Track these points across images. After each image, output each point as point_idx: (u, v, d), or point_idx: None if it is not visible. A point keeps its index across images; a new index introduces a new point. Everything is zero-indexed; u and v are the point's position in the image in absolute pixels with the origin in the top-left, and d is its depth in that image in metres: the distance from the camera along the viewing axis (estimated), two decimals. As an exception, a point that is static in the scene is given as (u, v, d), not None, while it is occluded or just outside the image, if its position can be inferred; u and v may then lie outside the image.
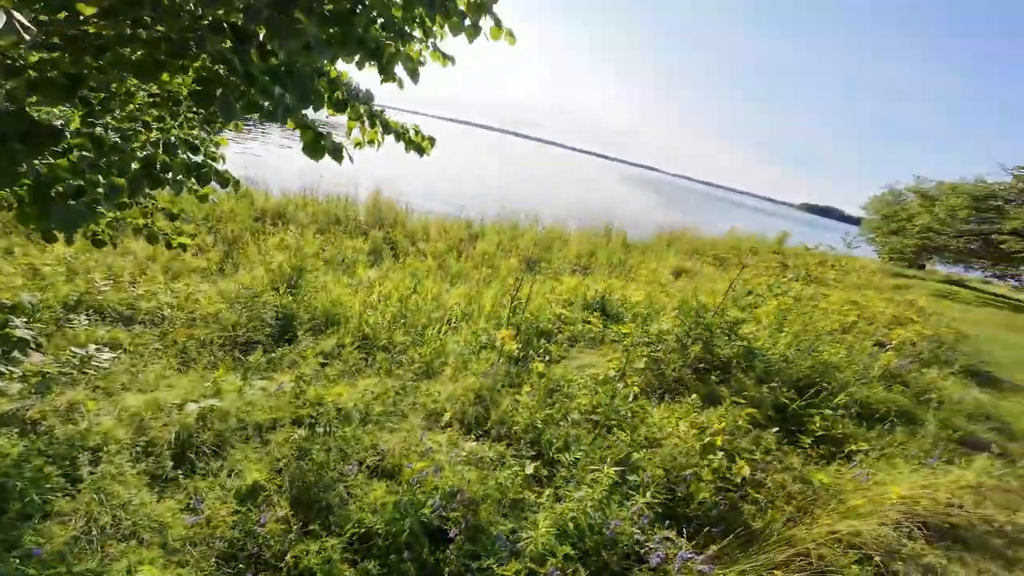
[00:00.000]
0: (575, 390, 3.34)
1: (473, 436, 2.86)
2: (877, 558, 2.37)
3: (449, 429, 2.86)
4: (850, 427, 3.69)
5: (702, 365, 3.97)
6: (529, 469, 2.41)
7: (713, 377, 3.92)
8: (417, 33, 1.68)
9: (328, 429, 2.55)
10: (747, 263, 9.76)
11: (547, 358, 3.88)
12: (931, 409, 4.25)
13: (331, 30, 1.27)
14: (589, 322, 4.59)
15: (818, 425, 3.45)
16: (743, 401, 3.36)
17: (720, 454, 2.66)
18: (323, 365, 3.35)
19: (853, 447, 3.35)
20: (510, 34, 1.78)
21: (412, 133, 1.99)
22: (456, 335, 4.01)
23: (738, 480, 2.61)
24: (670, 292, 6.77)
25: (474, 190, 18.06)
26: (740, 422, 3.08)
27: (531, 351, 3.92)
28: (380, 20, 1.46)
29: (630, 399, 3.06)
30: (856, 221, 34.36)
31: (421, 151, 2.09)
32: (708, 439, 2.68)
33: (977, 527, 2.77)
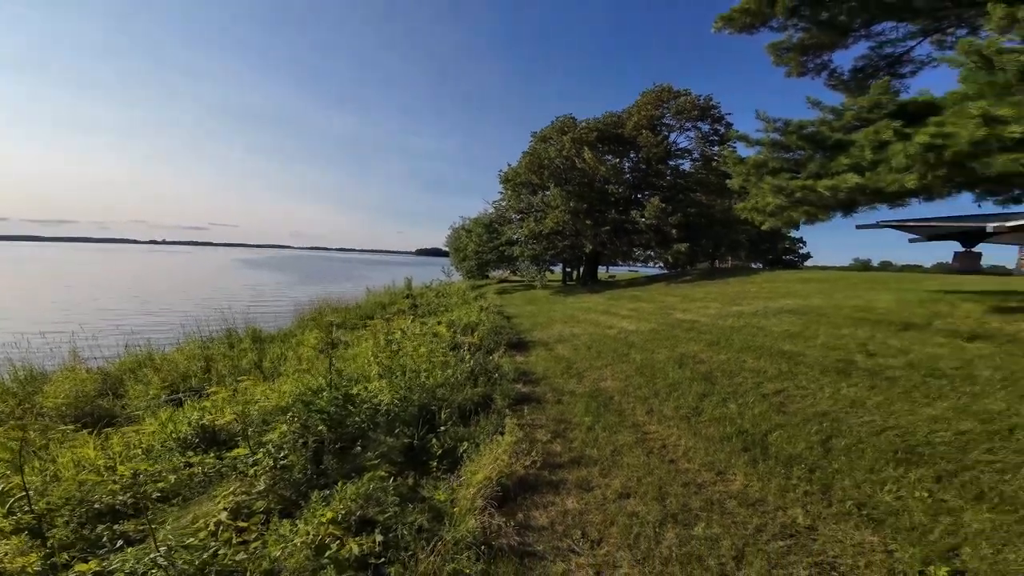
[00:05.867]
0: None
1: None
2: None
3: None
4: (459, 433, 4.30)
5: (338, 445, 3.70)
6: None
7: (357, 448, 3.76)
8: None
9: None
10: (386, 316, 10.19)
11: (118, 543, 2.55)
12: (498, 387, 5.66)
13: None
14: (191, 464, 3.39)
15: (436, 446, 3.90)
16: (377, 460, 3.36)
17: (349, 544, 2.47)
18: None
19: (461, 449, 3.99)
20: None
21: None
22: None
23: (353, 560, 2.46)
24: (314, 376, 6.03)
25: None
26: (373, 486, 3.05)
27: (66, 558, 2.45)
28: None
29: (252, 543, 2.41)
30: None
31: None
32: (324, 539, 2.45)
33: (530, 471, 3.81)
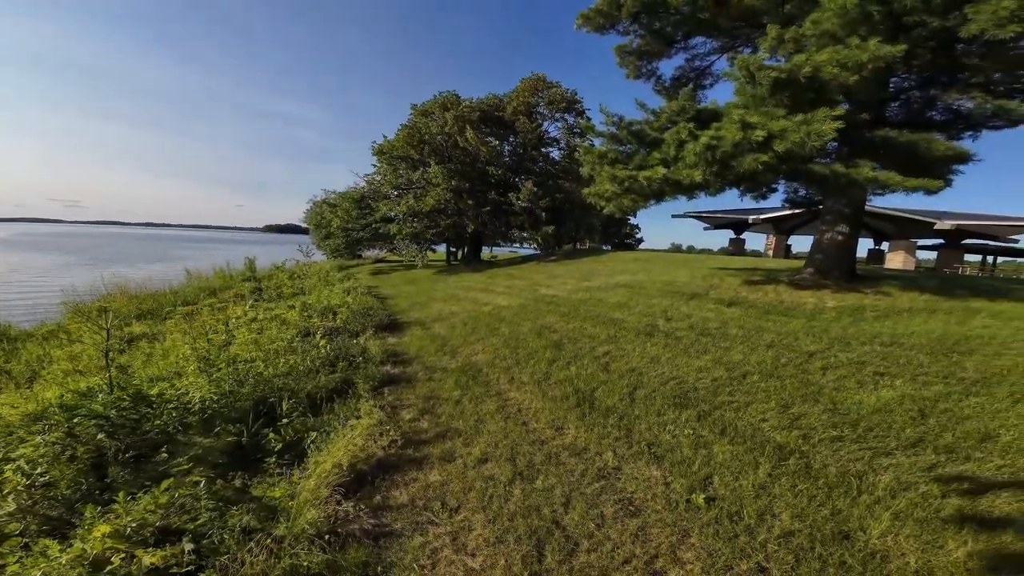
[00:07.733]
0: None
1: None
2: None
3: None
4: (306, 423, 3.80)
5: (130, 454, 2.88)
6: None
7: (163, 454, 3.00)
8: None
9: None
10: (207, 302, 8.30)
11: None
12: (360, 371, 5.20)
13: None
14: None
15: (275, 441, 3.37)
16: (189, 465, 2.75)
17: (142, 557, 1.97)
18: None
19: (308, 440, 3.53)
20: None
21: None
22: None
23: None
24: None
25: None
26: (179, 493, 2.47)
27: None
28: None
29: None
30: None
31: None
32: (105, 554, 1.96)
33: (392, 452, 3.59)
